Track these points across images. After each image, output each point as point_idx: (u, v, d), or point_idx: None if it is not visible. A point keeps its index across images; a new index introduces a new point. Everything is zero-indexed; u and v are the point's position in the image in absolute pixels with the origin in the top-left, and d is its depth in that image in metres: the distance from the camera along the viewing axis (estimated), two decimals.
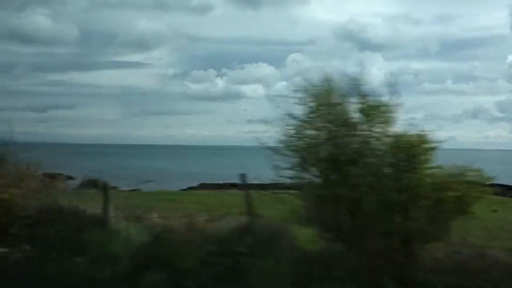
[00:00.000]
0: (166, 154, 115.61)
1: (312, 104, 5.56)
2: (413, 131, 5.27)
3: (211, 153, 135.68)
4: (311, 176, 5.56)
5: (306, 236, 5.84)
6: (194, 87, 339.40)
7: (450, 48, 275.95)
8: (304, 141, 5.52)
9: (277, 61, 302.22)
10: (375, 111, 5.38)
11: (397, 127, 5.40)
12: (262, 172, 6.08)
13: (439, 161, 5.29)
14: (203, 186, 29.57)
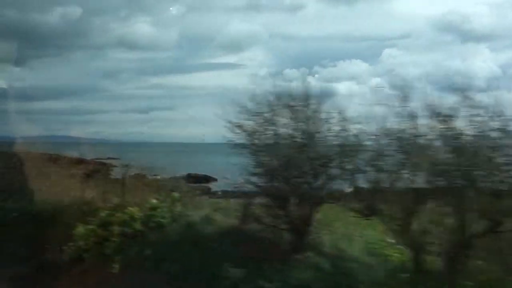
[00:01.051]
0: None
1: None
2: None
3: None
4: None
5: None
6: (287, 86, 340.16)
7: None
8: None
9: (371, 57, 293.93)
10: None
11: None
12: None
13: None
14: None
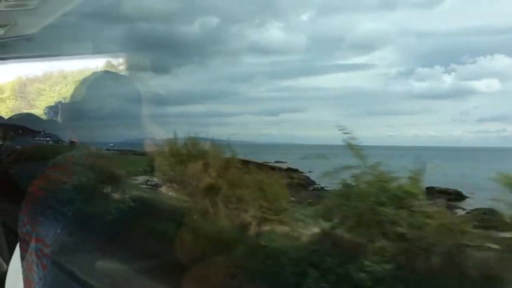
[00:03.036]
0: (388, 156, 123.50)
1: None
2: None
3: (434, 155, 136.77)
4: None
5: None
6: (418, 86, 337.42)
7: None
8: None
9: None
10: None
11: None
12: None
13: None
14: None
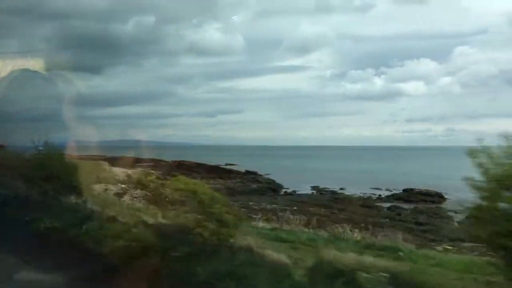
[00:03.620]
0: (334, 156, 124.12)
1: None
2: None
3: (372, 154, 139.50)
4: None
5: None
6: (351, 88, 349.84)
7: None
8: None
9: (441, 55, 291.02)
10: None
11: None
12: None
13: None
14: None
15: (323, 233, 12.39)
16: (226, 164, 64.22)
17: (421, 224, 23.34)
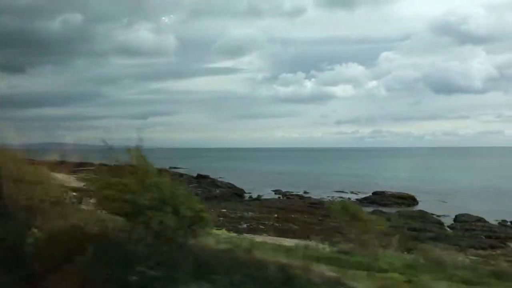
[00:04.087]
0: (270, 157, 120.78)
1: None
2: None
3: (307, 155, 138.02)
4: None
5: None
6: (283, 90, 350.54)
7: None
8: None
9: (368, 60, 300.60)
10: None
11: None
12: None
13: None
14: None
15: (384, 252, 10.04)
16: (170, 168, 60.13)
17: (428, 231, 21.81)
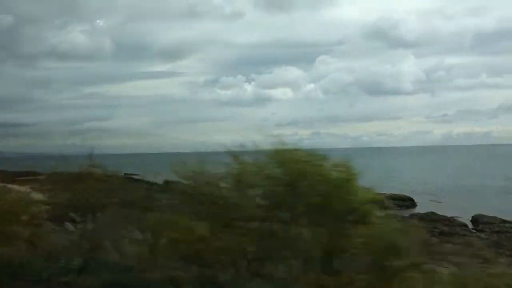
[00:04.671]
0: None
1: None
2: None
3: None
4: None
5: None
6: (223, 94, 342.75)
7: (485, 41, 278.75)
8: None
9: (306, 63, 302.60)
10: None
11: None
12: None
13: None
14: None
15: None
16: (126, 174, 54.33)
17: (460, 235, 19.57)
